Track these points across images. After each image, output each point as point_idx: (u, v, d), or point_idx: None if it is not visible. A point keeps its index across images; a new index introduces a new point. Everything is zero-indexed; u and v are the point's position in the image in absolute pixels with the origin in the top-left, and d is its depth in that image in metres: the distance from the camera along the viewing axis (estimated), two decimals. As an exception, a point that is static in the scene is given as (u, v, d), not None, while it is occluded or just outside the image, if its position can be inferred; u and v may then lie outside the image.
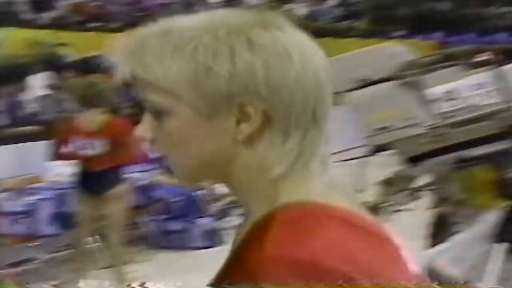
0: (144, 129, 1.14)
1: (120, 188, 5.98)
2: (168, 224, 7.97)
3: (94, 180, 5.81)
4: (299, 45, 1.10)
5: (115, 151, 5.75)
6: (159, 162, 7.43)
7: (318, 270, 1.00)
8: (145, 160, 6.79)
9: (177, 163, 1.14)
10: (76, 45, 13.12)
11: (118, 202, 5.93)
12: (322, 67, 1.12)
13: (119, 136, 5.66)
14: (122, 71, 1.11)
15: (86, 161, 5.81)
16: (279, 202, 1.09)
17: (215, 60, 1.07)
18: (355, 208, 1.13)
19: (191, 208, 8.04)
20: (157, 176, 7.87)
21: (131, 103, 9.49)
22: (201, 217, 8.02)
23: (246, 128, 1.09)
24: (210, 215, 8.24)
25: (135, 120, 1.77)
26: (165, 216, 7.99)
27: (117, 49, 1.12)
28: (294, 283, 0.98)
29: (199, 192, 8.14)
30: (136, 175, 7.26)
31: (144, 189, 7.68)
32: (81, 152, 5.81)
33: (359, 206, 1.15)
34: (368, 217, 1.14)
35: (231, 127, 1.09)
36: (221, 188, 6.83)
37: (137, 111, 8.20)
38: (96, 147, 5.79)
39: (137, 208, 7.12)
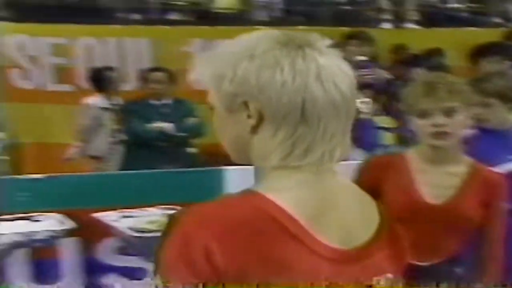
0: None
1: None
2: None
3: None
4: (318, 59, 1.34)
5: None
6: None
7: (187, 245, 1.27)
8: None
9: (223, 146, 1.45)
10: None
11: None
12: (340, 80, 1.35)
13: None
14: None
15: None
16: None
17: (225, 68, 1.37)
18: (302, 209, 1.33)
19: None
20: None
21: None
22: None
23: (250, 122, 1.36)
24: None
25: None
26: None
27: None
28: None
29: None
30: None
31: None
32: None
33: (322, 206, 1.36)
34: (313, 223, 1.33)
35: (244, 120, 1.36)
36: None
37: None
38: None
39: None
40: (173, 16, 8.07)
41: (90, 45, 7.31)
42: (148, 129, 6.04)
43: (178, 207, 4.38)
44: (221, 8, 8.05)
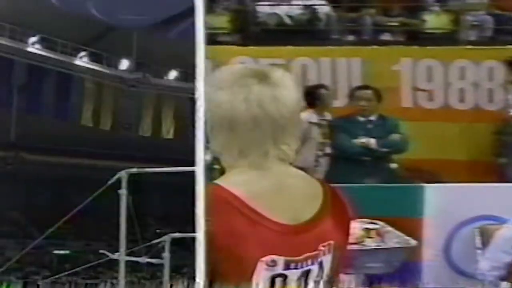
0: None
1: None
2: None
3: None
4: (253, 86, 1.79)
5: None
6: None
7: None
8: None
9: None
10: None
11: None
12: (267, 102, 1.79)
13: None
14: None
15: None
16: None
17: (213, 94, 1.80)
18: (253, 195, 1.77)
19: None
20: None
21: None
22: None
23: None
24: None
25: None
26: None
27: None
28: None
29: None
30: None
31: None
32: None
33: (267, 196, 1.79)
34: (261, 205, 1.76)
35: None
36: None
37: None
38: None
39: None
40: (385, 37, 8.24)
41: (305, 65, 7.70)
42: (353, 144, 6.33)
43: (379, 221, 4.59)
44: (431, 29, 8.10)
